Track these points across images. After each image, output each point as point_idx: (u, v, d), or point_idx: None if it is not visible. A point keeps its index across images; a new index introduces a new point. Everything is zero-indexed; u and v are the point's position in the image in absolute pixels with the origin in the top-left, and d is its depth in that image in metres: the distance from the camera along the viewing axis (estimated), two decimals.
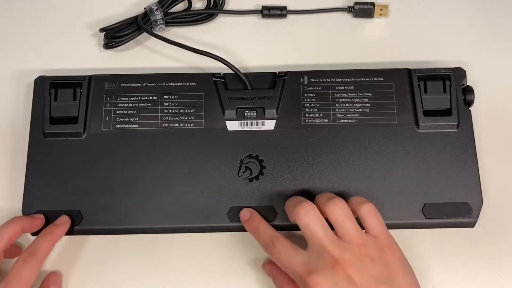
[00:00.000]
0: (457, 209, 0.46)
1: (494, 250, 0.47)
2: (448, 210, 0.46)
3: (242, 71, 0.50)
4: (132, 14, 0.55)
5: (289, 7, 0.55)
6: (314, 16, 0.56)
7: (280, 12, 0.55)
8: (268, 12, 0.55)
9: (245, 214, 0.46)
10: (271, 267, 0.46)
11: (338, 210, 0.41)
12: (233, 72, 0.51)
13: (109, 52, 0.54)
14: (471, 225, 0.47)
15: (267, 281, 0.47)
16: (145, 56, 0.55)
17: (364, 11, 0.55)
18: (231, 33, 0.56)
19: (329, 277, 0.39)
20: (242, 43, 0.55)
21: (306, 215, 0.41)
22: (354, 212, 0.42)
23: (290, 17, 0.56)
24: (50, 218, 0.46)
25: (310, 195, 0.47)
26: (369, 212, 0.42)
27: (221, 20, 0.56)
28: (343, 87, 0.50)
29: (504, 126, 0.51)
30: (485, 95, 0.51)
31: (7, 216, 0.45)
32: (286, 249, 0.41)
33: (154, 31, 0.53)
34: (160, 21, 0.53)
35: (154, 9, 0.53)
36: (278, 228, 0.47)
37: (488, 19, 0.55)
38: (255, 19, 0.56)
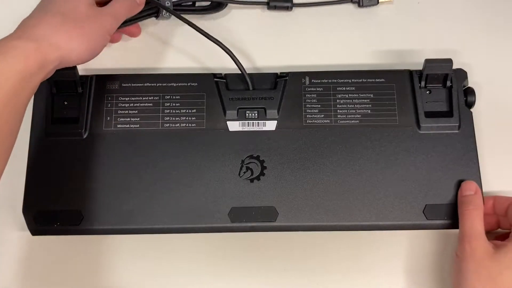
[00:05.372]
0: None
1: None
2: (449, 211, 0.46)
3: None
4: None
5: (295, 0, 0.55)
6: (317, 15, 0.56)
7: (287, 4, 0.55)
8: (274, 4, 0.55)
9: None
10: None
11: None
12: (234, 72, 0.50)
13: (110, 51, 0.54)
14: None
15: (268, 281, 0.47)
16: (147, 56, 0.55)
17: None
18: (232, 34, 0.56)
19: None
20: (243, 44, 0.55)
21: None
22: None
23: (293, 13, 0.56)
24: (51, 218, 0.46)
25: (311, 196, 0.47)
26: None
27: (223, 20, 0.56)
28: (344, 88, 0.50)
29: (505, 127, 0.51)
30: (486, 96, 0.52)
31: (8, 215, 0.45)
32: None
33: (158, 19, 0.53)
34: (167, 2, 0.53)
35: None
36: (279, 229, 0.47)
37: (489, 20, 0.55)
38: (259, 15, 0.56)
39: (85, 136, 0.49)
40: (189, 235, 0.47)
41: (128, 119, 0.49)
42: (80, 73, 0.50)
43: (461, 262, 0.42)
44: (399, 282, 0.47)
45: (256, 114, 0.49)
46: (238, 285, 0.47)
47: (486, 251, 0.42)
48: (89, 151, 0.48)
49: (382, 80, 0.50)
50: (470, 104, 0.50)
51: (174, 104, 0.49)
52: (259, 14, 0.56)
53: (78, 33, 0.42)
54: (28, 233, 0.47)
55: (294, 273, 0.47)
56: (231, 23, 0.56)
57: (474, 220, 0.44)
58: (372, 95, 0.50)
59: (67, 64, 0.43)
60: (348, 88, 0.50)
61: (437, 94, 0.50)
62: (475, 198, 0.45)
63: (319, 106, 0.49)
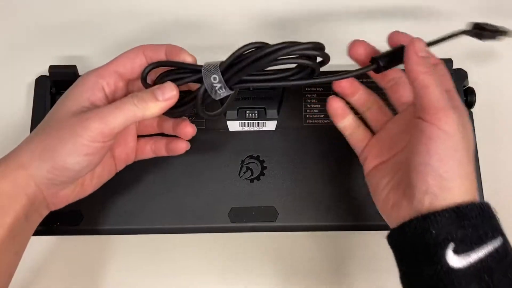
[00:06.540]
0: None
1: None
2: None
3: None
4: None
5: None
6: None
7: None
8: None
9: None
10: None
11: None
12: None
13: (110, 52, 0.54)
14: None
15: (268, 281, 0.47)
16: None
17: None
18: (233, 35, 0.56)
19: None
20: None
21: None
22: None
23: (293, 14, 0.56)
24: (53, 217, 0.46)
25: (311, 196, 0.47)
26: None
27: (222, 21, 0.56)
28: None
29: (504, 127, 0.51)
30: (486, 96, 0.52)
31: None
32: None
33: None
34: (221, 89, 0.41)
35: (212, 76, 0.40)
36: (279, 229, 0.47)
37: (489, 20, 0.55)
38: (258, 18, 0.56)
39: None
40: (189, 235, 0.47)
41: None
42: (80, 73, 0.50)
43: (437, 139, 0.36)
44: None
45: (256, 114, 0.49)
46: (238, 285, 0.47)
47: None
48: None
49: None
50: (470, 104, 0.50)
51: None
52: (254, 25, 0.56)
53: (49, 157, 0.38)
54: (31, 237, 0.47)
55: (294, 273, 0.47)
56: (230, 30, 0.56)
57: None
58: None
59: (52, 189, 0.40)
60: None
61: None
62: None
63: (319, 106, 0.49)
